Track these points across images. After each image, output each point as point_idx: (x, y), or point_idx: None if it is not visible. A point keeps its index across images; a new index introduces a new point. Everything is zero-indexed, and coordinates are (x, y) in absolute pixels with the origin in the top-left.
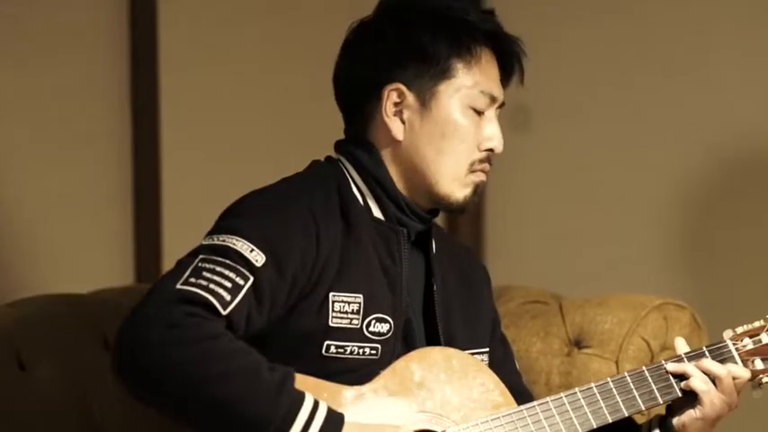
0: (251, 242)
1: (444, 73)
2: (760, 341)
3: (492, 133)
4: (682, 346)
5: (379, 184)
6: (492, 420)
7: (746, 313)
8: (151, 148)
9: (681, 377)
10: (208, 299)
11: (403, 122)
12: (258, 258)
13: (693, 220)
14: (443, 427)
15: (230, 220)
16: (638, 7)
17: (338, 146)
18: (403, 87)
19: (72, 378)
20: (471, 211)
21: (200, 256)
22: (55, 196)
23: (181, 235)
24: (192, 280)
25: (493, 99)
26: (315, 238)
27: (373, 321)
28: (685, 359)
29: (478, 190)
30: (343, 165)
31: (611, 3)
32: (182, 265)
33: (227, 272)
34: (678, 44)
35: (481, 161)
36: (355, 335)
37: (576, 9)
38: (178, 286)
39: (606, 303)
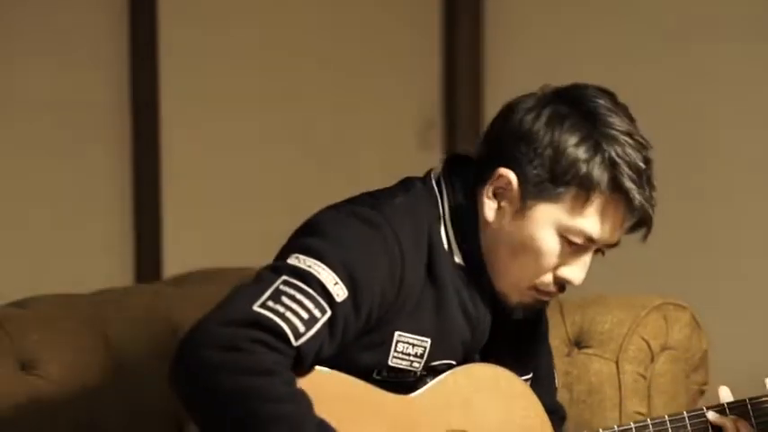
0: (336, 274)
1: (556, 196)
2: None
3: (573, 274)
4: (726, 396)
5: (465, 240)
6: None
7: (747, 313)
8: (151, 148)
9: (718, 429)
10: (282, 328)
11: (499, 207)
12: (340, 293)
13: (693, 219)
14: None
15: (318, 242)
16: (641, 9)
17: (449, 171)
18: (514, 179)
19: (72, 378)
20: None
21: (283, 278)
22: (55, 196)
23: (181, 235)
24: (270, 304)
25: (591, 240)
26: (398, 280)
27: (437, 365)
28: (727, 410)
29: (537, 306)
30: (441, 194)
31: (613, 4)
32: (262, 282)
33: (306, 301)
34: (681, 47)
35: (549, 285)
36: (411, 373)
37: (577, 10)
38: (255, 308)
39: (606, 303)
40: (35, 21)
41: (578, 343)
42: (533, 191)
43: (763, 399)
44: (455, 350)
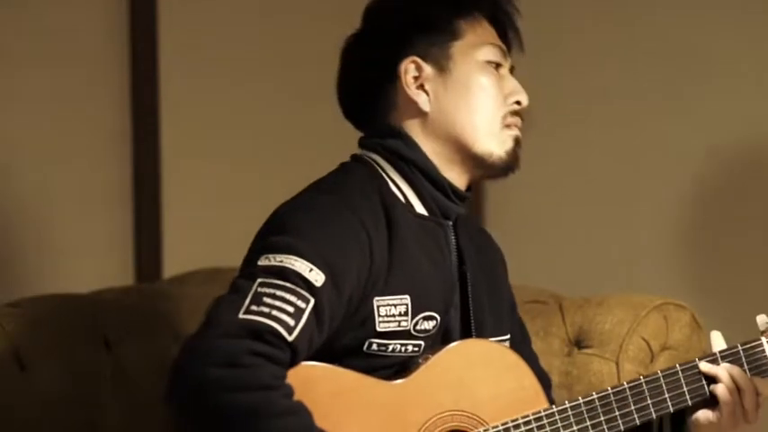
0: (309, 261)
1: (453, 35)
2: None
3: (514, 87)
4: (717, 342)
5: (419, 169)
6: (524, 421)
7: (746, 313)
8: (151, 148)
9: (711, 379)
10: (273, 327)
11: (427, 93)
12: (318, 278)
13: (694, 220)
14: (474, 429)
15: (282, 237)
16: (642, 10)
17: (364, 143)
18: (417, 59)
19: (72, 378)
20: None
21: (259, 280)
22: (55, 196)
23: (181, 235)
24: (254, 308)
25: (504, 53)
26: (368, 251)
27: (421, 320)
28: (720, 359)
29: (519, 146)
30: (376, 162)
31: (614, 5)
32: (240, 290)
33: (288, 296)
34: (683, 46)
35: (512, 114)
36: (402, 334)
37: (580, 11)
38: (240, 316)
39: (606, 303)
40: (35, 21)
41: (578, 343)
42: (437, 50)
43: (755, 343)
44: (433, 301)
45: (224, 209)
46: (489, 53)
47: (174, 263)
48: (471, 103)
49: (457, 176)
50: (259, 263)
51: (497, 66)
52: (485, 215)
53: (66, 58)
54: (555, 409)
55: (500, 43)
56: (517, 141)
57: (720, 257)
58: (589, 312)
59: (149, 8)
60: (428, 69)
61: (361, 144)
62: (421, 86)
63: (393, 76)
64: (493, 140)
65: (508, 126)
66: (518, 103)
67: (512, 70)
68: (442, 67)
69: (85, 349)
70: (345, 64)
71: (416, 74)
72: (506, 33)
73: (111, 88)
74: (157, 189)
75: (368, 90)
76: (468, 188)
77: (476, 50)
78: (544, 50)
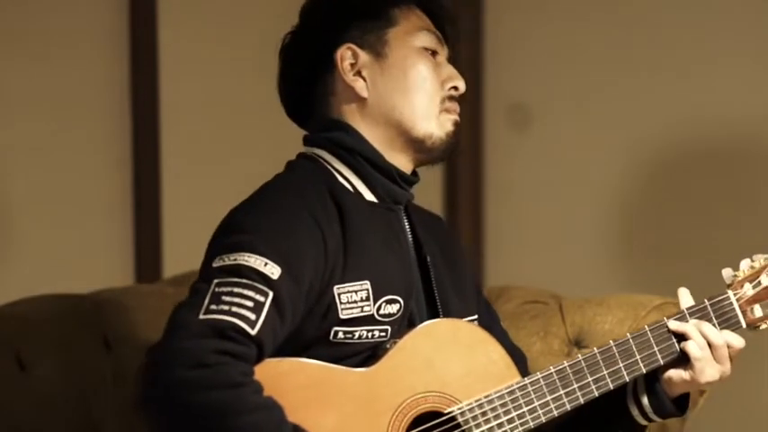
0: (263, 256)
1: (388, 21)
2: (759, 284)
3: (451, 73)
4: (685, 299)
5: (364, 158)
6: (496, 396)
7: None
8: (151, 149)
9: (681, 336)
10: (234, 323)
11: (364, 80)
12: (274, 271)
13: (694, 220)
14: (447, 408)
15: (234, 237)
16: (637, 4)
17: (308, 139)
18: (353, 46)
19: (72, 378)
20: (469, 208)
21: (216, 281)
22: (55, 197)
23: (181, 235)
24: (214, 307)
25: (440, 40)
26: (321, 241)
27: (384, 304)
28: (688, 316)
29: (458, 129)
30: (321, 157)
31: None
32: (198, 293)
33: (246, 291)
34: (676, 42)
35: (449, 99)
36: (366, 320)
37: (575, 6)
38: (201, 317)
39: (606, 303)
40: (35, 22)
41: (578, 343)
42: (372, 37)
43: (722, 297)
44: (394, 285)
45: (224, 209)
46: (425, 39)
47: (174, 263)
48: (408, 87)
49: (401, 161)
50: (214, 264)
51: (434, 53)
52: (485, 215)
53: (66, 58)
54: (527, 381)
55: (435, 30)
56: (456, 125)
57: (721, 258)
58: (589, 312)
59: (149, 8)
60: (364, 56)
61: (306, 141)
62: (358, 73)
63: (330, 65)
64: (432, 123)
65: (447, 110)
66: (455, 88)
67: (450, 60)
68: (378, 52)
69: (85, 349)
70: (284, 61)
71: (353, 60)
72: (442, 24)
73: (111, 88)
74: (157, 189)
75: (307, 82)
76: (415, 172)
77: (411, 36)
78: (543, 49)
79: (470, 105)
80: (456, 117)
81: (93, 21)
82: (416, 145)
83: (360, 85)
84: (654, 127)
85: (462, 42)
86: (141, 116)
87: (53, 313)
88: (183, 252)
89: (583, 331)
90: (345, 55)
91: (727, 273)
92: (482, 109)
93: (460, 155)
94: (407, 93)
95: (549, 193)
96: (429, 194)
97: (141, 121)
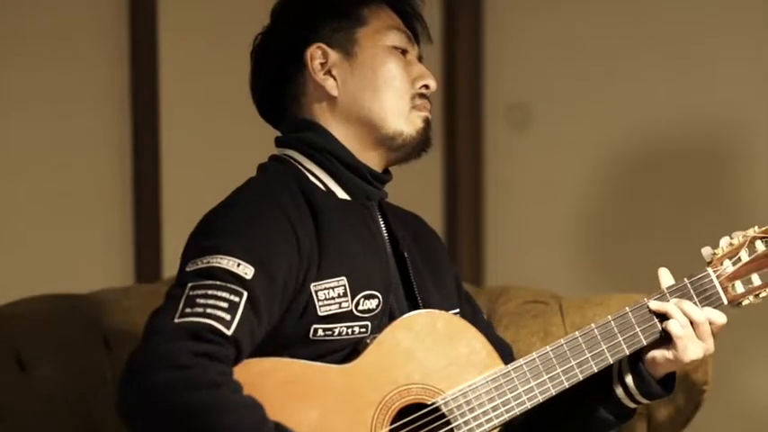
0: (236, 257)
1: (358, 21)
2: (739, 260)
3: (421, 71)
4: (666, 279)
5: (335, 157)
6: (480, 384)
7: (746, 312)
8: (151, 148)
9: (662, 316)
10: (210, 324)
11: (334, 78)
12: (247, 271)
13: (694, 220)
14: (430, 399)
15: (207, 240)
16: (637, 4)
17: (280, 141)
18: (323, 45)
19: (72, 378)
20: (468, 210)
21: (190, 284)
22: (55, 196)
23: (181, 235)
24: (188, 310)
25: (410, 39)
26: (294, 239)
27: (362, 300)
28: (668, 296)
29: (429, 126)
30: (291, 157)
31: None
32: (172, 298)
33: (220, 293)
34: (676, 42)
35: (420, 96)
36: (345, 316)
37: (575, 6)
38: (176, 321)
39: (606, 303)
40: (35, 21)
41: None
42: (342, 36)
43: (702, 275)
44: (371, 280)
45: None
46: (395, 38)
47: (174, 263)
48: (378, 85)
49: (373, 160)
50: (187, 269)
51: (404, 52)
52: (485, 215)
53: (66, 58)
54: (510, 368)
55: (405, 29)
56: (427, 122)
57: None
58: (589, 312)
59: (149, 8)
60: (334, 55)
61: (277, 142)
62: (328, 72)
63: (300, 65)
64: (401, 120)
65: (417, 108)
66: (426, 87)
67: (420, 59)
68: (347, 51)
69: (85, 349)
70: (255, 61)
71: (323, 60)
72: (412, 23)
73: (111, 88)
74: (157, 189)
75: (278, 82)
76: (386, 170)
77: (381, 35)
78: (543, 48)
79: (470, 105)
80: (427, 114)
81: (93, 21)
82: (387, 142)
83: (330, 84)
84: (653, 126)
85: (462, 42)
86: (141, 116)
87: (53, 313)
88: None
89: None
90: (315, 54)
91: (706, 251)
92: (482, 109)
93: (461, 155)
94: (377, 91)
95: (549, 193)
96: (429, 194)
97: (141, 121)
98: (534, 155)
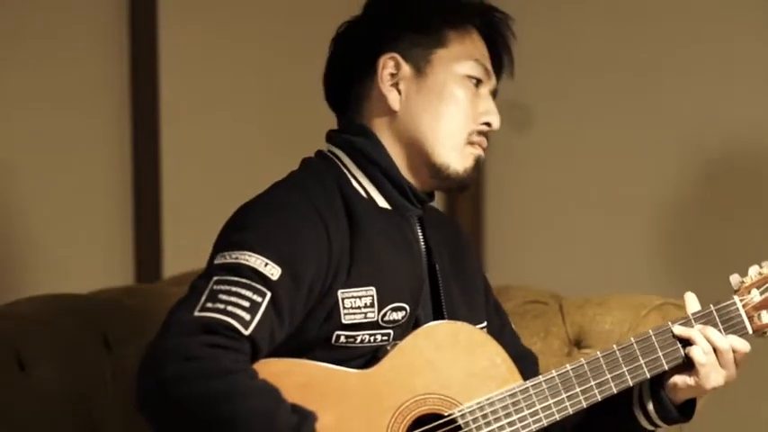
0: (264, 256)
1: (439, 41)
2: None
3: (489, 107)
4: (692, 305)
5: (381, 170)
6: (497, 399)
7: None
8: (151, 149)
9: (686, 341)
10: (228, 322)
11: (399, 93)
12: (274, 272)
13: (694, 220)
14: (447, 410)
15: (238, 234)
16: (637, 5)
17: (331, 137)
18: (398, 57)
19: (72, 378)
20: (471, 210)
21: (215, 278)
22: (55, 196)
23: (181, 235)
24: (210, 305)
25: (487, 73)
26: (326, 242)
27: (389, 311)
28: (693, 321)
29: (479, 166)
30: (338, 157)
31: (608, 11)
32: (196, 289)
33: (243, 291)
34: (679, 43)
35: (479, 134)
36: (369, 325)
37: (575, 6)
38: (196, 314)
39: (606, 303)
40: (35, 21)
41: (578, 343)
42: (419, 52)
43: (728, 303)
44: (401, 292)
45: (224, 209)
46: (471, 68)
47: (174, 263)
48: (439, 111)
49: (416, 181)
50: (215, 261)
51: (478, 82)
52: (485, 215)
53: (66, 58)
54: (528, 384)
55: (486, 62)
56: (478, 161)
57: (720, 257)
58: (589, 312)
59: (149, 8)
60: (406, 69)
61: (328, 138)
62: (395, 85)
63: (371, 69)
64: (453, 154)
65: (472, 144)
66: (488, 124)
67: (494, 94)
68: (419, 69)
69: (85, 349)
70: (334, 49)
71: (394, 71)
72: (499, 55)
73: (111, 88)
74: (157, 189)
75: (347, 78)
76: (430, 193)
77: (457, 63)
78: (544, 47)
79: None
80: (480, 153)
81: (93, 21)
82: (432, 170)
83: (393, 97)
84: (653, 126)
85: None
86: (141, 116)
87: (53, 313)
88: (183, 252)
89: (583, 331)
90: (388, 64)
91: (734, 279)
92: None
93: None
94: (437, 118)
95: (549, 193)
96: None
97: (141, 121)
98: (534, 155)
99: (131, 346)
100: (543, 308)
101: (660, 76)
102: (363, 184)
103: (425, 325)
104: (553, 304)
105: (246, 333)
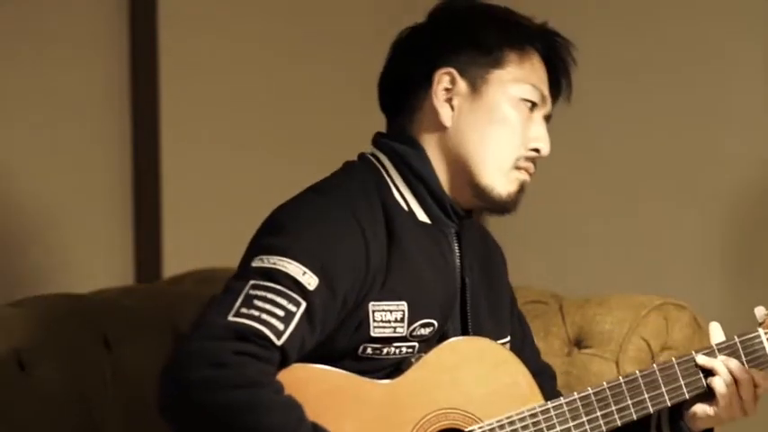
0: (303, 264)
1: (497, 61)
2: None
3: (540, 133)
4: (716, 335)
5: (423, 183)
6: (517, 418)
7: (747, 313)
8: (151, 148)
9: (708, 372)
10: (261, 330)
11: (452, 109)
12: (311, 281)
13: (693, 219)
14: (467, 426)
15: (277, 239)
16: (636, 5)
17: (378, 141)
18: (455, 72)
19: (72, 378)
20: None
21: (251, 282)
22: (55, 196)
23: (181, 235)
24: (244, 311)
25: (543, 98)
26: (364, 256)
27: (418, 327)
28: (717, 352)
29: (523, 190)
30: (381, 163)
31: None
32: (232, 292)
33: (279, 299)
34: (688, 43)
35: (526, 159)
36: (397, 339)
37: (574, 7)
38: (230, 318)
39: (606, 303)
40: (35, 21)
41: (578, 343)
42: (476, 70)
43: (753, 335)
44: (432, 308)
45: (224, 209)
46: (527, 92)
47: (174, 263)
48: (490, 132)
49: (458, 199)
50: (253, 264)
51: (533, 106)
52: (484, 215)
53: (66, 58)
54: (550, 405)
55: (543, 87)
56: (522, 186)
57: (720, 257)
58: (589, 312)
59: (149, 8)
60: (461, 85)
61: (375, 141)
62: (449, 100)
63: (427, 82)
64: (499, 177)
65: (519, 168)
66: (537, 150)
67: (547, 118)
68: (475, 87)
69: (85, 349)
70: (393, 54)
71: (449, 86)
72: (558, 80)
73: (110, 89)
74: (157, 189)
75: (402, 85)
76: (469, 211)
77: (513, 85)
78: None
79: None
80: (526, 178)
81: (93, 21)
82: (475, 191)
83: (445, 113)
84: (652, 126)
85: None
86: (141, 116)
87: (53, 313)
88: (183, 252)
89: (583, 331)
90: (443, 79)
91: (759, 311)
92: None
93: None
94: (486, 139)
95: (549, 193)
96: None
97: (141, 121)
98: None
99: (131, 346)
100: (543, 308)
101: (660, 77)
102: (405, 196)
103: (451, 339)
104: (553, 304)
105: (279, 343)
